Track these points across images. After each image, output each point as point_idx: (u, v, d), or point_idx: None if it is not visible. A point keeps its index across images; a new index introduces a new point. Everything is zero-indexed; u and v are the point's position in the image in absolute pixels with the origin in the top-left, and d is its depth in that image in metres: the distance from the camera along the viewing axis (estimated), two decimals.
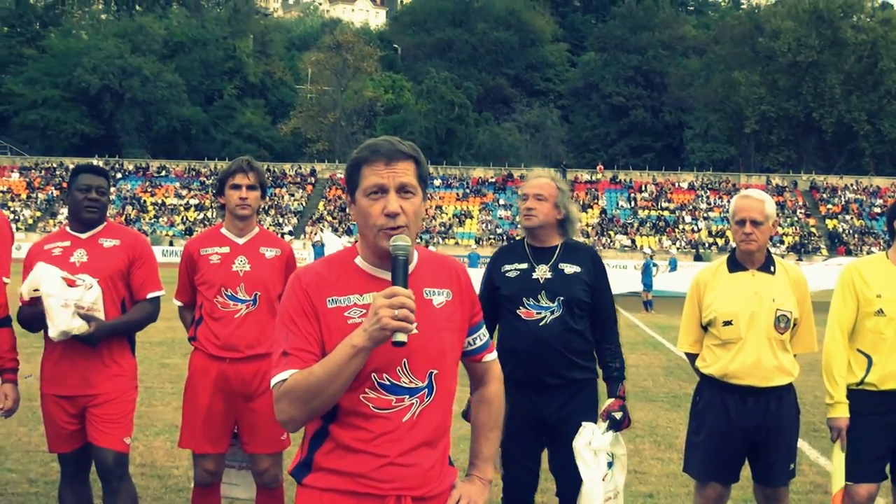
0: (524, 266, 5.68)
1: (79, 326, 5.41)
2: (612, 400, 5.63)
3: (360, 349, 2.95)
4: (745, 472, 5.86)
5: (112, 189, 5.81)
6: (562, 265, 5.65)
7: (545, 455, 5.80)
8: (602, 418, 5.55)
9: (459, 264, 3.45)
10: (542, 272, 5.63)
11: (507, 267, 5.72)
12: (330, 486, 3.15)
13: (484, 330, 3.51)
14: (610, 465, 5.48)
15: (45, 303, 5.42)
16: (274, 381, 3.09)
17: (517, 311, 5.60)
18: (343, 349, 2.98)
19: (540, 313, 5.57)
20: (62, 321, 5.39)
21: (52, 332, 5.46)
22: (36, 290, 5.46)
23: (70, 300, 5.41)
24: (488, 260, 6.07)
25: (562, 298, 5.57)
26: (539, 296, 5.58)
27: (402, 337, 2.93)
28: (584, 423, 5.48)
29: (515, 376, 5.57)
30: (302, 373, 3.03)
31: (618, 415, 5.55)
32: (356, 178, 3.17)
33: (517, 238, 5.98)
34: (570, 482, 5.60)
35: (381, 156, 3.14)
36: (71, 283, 5.44)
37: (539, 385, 5.56)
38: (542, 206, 5.63)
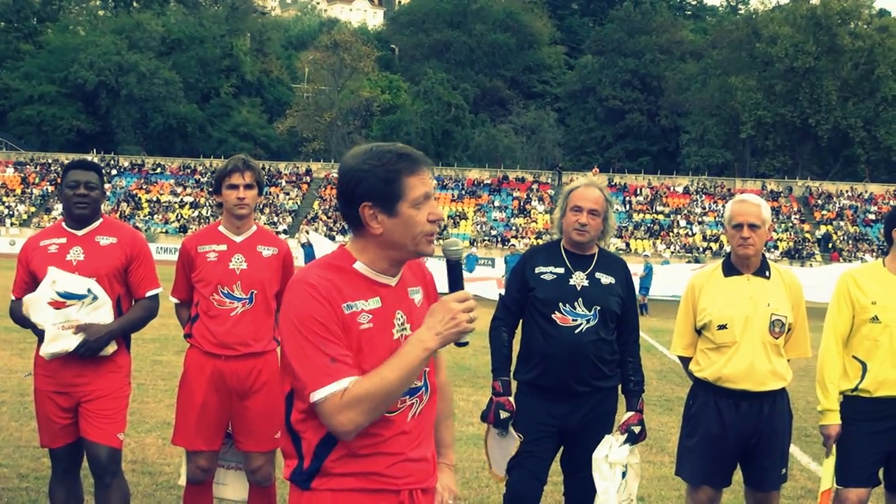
0: (560, 270, 5.65)
1: (63, 348, 5.45)
2: (631, 413, 5.65)
3: (431, 351, 3.03)
4: (736, 476, 5.86)
5: (107, 185, 5.81)
6: (598, 274, 5.66)
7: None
8: (620, 431, 5.56)
9: (420, 259, 3.43)
10: (580, 279, 5.62)
11: (542, 269, 5.68)
12: (343, 487, 3.13)
13: None
14: (624, 474, 5.50)
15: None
16: (330, 389, 2.99)
17: (552, 316, 5.57)
18: (415, 352, 3.02)
19: (576, 320, 5.55)
20: (50, 345, 5.46)
21: (42, 352, 5.55)
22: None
23: (57, 322, 5.43)
24: (467, 259, 6.05)
25: (598, 308, 5.58)
26: (576, 303, 5.57)
27: (467, 338, 3.05)
28: (606, 437, 5.52)
29: (543, 383, 5.59)
30: (370, 379, 3.00)
31: (636, 428, 5.57)
32: (397, 189, 3.11)
33: (551, 240, 5.95)
34: (579, 485, 5.63)
35: (422, 164, 3.16)
36: (60, 305, 5.44)
37: (567, 392, 5.56)
38: (595, 221, 5.62)
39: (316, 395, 3.00)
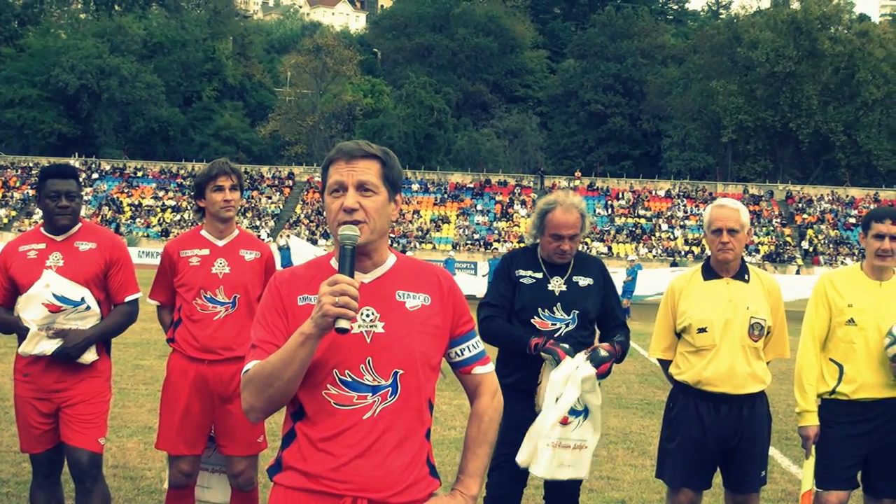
0: (539, 275, 5.70)
1: (41, 351, 5.47)
2: (606, 343, 5.66)
3: (307, 336, 3.00)
4: (717, 478, 5.90)
5: (88, 189, 5.83)
6: (576, 278, 5.72)
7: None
8: (587, 351, 5.52)
9: (445, 273, 3.46)
10: (558, 284, 5.67)
11: (522, 273, 5.73)
12: (294, 485, 3.19)
13: (475, 341, 3.47)
14: (579, 413, 5.46)
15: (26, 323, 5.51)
16: (242, 371, 3.19)
17: (531, 321, 5.61)
18: (293, 337, 3.04)
19: (555, 324, 5.61)
20: (29, 345, 5.48)
21: (20, 350, 5.56)
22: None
23: (43, 325, 5.45)
24: (446, 263, 6.03)
25: (577, 312, 5.64)
26: (554, 307, 5.62)
27: (344, 324, 2.98)
28: (568, 358, 5.44)
29: (525, 386, 5.61)
30: (260, 362, 3.11)
31: (603, 353, 5.53)
32: (325, 177, 3.27)
33: (528, 244, 5.97)
34: (559, 487, 5.63)
35: (343, 155, 3.23)
36: (55, 309, 5.45)
37: None
38: (575, 243, 5.68)
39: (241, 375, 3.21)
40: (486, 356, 3.52)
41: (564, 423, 5.42)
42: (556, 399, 5.39)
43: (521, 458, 5.45)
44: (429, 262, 3.55)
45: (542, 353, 5.46)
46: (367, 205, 3.17)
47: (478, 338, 3.50)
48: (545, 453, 5.38)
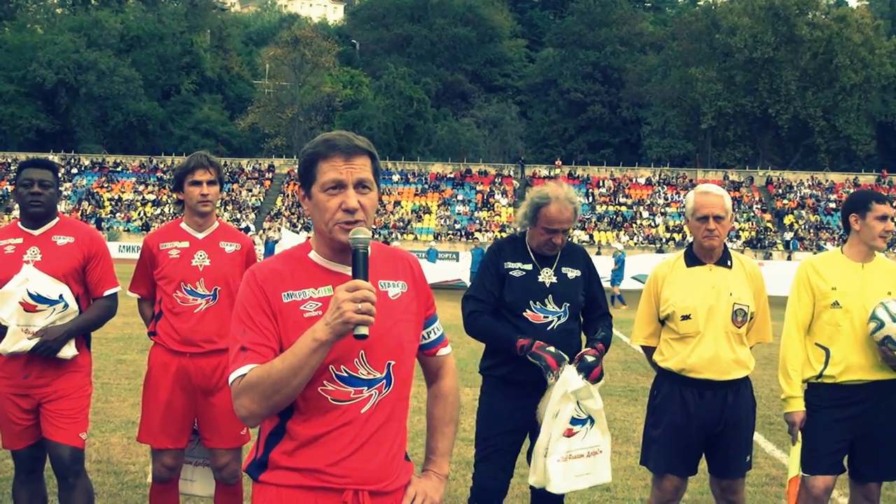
0: (528, 267, 5.68)
1: (22, 347, 5.43)
2: (589, 348, 5.64)
3: (322, 342, 2.94)
4: (702, 464, 5.90)
5: (68, 184, 5.78)
6: (564, 269, 5.70)
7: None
8: (575, 361, 5.53)
9: (412, 257, 3.46)
10: (548, 276, 5.65)
11: (511, 265, 5.69)
12: (287, 482, 3.14)
13: (438, 324, 3.51)
14: (583, 422, 5.48)
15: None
16: (233, 376, 3.07)
17: (523, 314, 5.58)
18: (305, 342, 2.96)
19: (547, 317, 5.59)
20: (9, 343, 5.44)
21: (0, 349, 5.50)
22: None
23: (21, 325, 5.41)
24: (427, 252, 6.01)
25: (568, 304, 5.63)
26: (546, 300, 5.60)
27: (364, 330, 2.94)
28: (561, 370, 5.43)
29: (517, 379, 5.60)
30: (262, 368, 3.02)
31: (590, 358, 5.53)
32: (312, 172, 3.17)
33: (516, 233, 5.94)
34: None
35: (339, 151, 3.13)
36: (30, 308, 5.40)
37: (538, 386, 5.54)
38: (565, 236, 5.67)
39: (229, 380, 3.10)
40: (447, 338, 3.58)
41: (569, 434, 5.43)
42: (556, 415, 5.40)
43: (533, 480, 5.47)
44: (396, 248, 3.55)
45: (530, 358, 5.44)
46: (365, 203, 3.13)
47: (439, 321, 3.54)
48: (556, 469, 5.39)
